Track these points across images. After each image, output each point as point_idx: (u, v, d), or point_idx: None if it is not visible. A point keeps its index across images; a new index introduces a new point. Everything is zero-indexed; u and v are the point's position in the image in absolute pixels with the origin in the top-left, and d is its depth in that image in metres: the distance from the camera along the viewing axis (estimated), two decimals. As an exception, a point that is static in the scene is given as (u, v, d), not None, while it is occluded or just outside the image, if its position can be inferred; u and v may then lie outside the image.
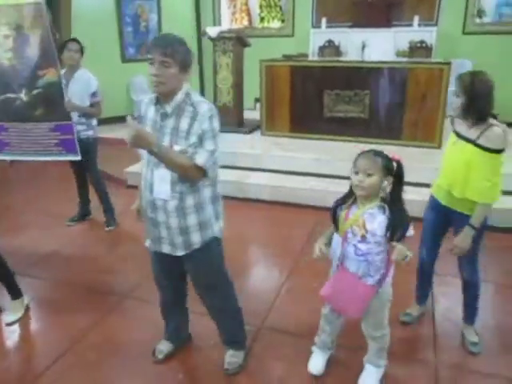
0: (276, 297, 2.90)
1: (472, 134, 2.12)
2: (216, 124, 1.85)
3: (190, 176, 1.84)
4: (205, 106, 1.82)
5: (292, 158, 4.73)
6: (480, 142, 2.07)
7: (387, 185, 1.83)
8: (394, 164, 1.83)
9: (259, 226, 4.15)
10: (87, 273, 3.20)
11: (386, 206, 1.84)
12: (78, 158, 3.53)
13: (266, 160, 4.83)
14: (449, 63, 4.79)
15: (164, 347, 2.34)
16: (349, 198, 1.93)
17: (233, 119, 5.67)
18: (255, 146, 5.23)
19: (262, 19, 7.75)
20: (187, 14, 7.57)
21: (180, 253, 1.99)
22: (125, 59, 7.03)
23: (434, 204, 2.39)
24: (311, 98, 5.29)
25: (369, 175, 1.79)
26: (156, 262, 2.16)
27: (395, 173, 1.83)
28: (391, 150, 1.88)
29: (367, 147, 1.90)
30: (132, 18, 7.06)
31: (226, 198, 4.06)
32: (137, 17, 7.10)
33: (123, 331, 2.56)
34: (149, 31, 7.26)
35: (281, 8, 7.52)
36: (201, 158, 1.81)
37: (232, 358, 2.26)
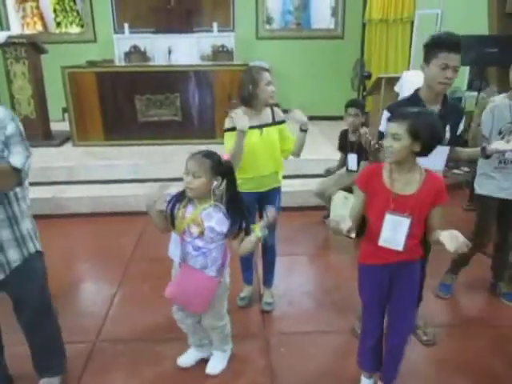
0: (109, 307, 2.83)
1: (265, 118, 2.50)
2: (22, 128, 1.72)
3: (4, 184, 1.68)
4: (1, 110, 1.68)
5: (109, 166, 4.61)
6: (278, 119, 2.54)
7: (217, 185, 1.91)
8: (223, 164, 1.91)
9: (83, 241, 3.95)
10: None
11: (221, 205, 1.93)
12: None
13: (81, 171, 4.60)
14: (246, 65, 5.24)
15: None
16: (183, 197, 1.95)
17: (38, 132, 5.23)
18: (68, 158, 4.92)
19: (58, 24, 7.27)
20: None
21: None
22: None
23: (250, 196, 2.51)
24: (123, 104, 5.21)
25: (197, 177, 1.84)
26: None
27: (225, 173, 1.91)
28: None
29: (184, 149, 1.98)
30: None
31: (41, 216, 3.79)
32: None
33: None
34: None
35: (78, 12, 7.17)
36: (18, 160, 1.66)
37: None
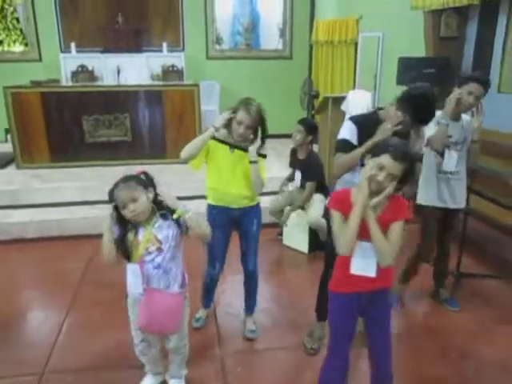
0: (57, 336, 2.70)
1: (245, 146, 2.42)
2: None
3: None
4: None
5: (56, 189, 4.45)
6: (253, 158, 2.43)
7: (153, 196, 1.89)
8: (143, 176, 1.91)
9: (28, 268, 3.76)
10: None
11: (166, 212, 1.90)
12: None
13: (26, 195, 4.42)
14: (197, 85, 5.29)
15: None
16: (127, 227, 1.89)
17: (-22, 154, 5.00)
18: (12, 181, 4.71)
19: (0, 42, 7.03)
20: None
21: None
22: None
23: (224, 215, 2.50)
24: (70, 125, 5.08)
25: (135, 200, 1.82)
26: None
27: (151, 182, 1.91)
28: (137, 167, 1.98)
29: (134, 169, 1.94)
30: None
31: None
32: None
33: None
34: None
35: (22, 31, 6.96)
36: None
37: None
